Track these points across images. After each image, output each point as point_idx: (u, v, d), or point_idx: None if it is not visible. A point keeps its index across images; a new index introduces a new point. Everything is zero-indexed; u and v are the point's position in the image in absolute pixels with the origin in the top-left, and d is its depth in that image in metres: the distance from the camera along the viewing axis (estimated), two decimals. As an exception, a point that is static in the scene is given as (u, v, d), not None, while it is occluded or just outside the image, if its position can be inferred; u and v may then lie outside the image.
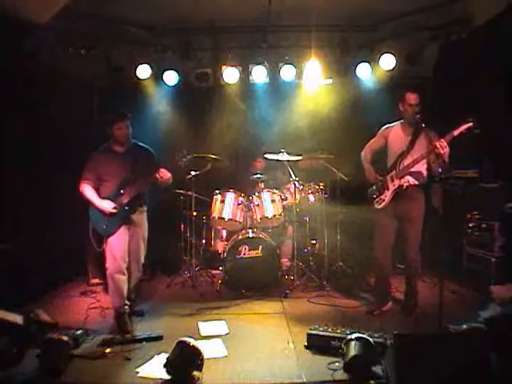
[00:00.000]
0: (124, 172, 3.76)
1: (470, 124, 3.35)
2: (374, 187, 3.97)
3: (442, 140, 3.40)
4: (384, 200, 3.86)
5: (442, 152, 3.38)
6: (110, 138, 3.83)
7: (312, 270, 5.05)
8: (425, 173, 3.78)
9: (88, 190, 3.71)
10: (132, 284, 3.92)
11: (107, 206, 3.67)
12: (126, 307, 3.70)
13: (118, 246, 3.69)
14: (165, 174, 3.78)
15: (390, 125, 3.99)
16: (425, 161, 3.70)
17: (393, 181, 3.82)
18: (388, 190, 3.84)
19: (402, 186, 3.75)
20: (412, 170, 3.71)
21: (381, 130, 4.04)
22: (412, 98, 3.73)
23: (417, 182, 3.77)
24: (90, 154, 3.85)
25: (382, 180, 3.91)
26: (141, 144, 3.98)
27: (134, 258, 3.87)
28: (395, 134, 3.91)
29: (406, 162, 3.74)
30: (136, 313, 3.99)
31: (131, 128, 3.83)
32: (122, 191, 3.71)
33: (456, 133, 3.40)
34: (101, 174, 3.76)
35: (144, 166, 3.79)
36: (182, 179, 5.00)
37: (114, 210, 3.66)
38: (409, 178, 3.76)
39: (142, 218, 3.92)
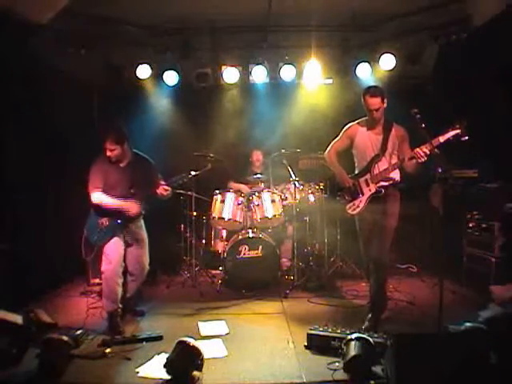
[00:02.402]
0: (122, 186, 3.71)
1: (458, 131, 3.18)
2: (345, 191, 3.73)
3: (423, 148, 3.24)
4: (359, 206, 3.63)
5: (422, 160, 3.24)
6: None
7: (312, 270, 5.05)
8: (398, 174, 3.60)
9: (104, 196, 3.64)
10: (134, 289, 3.91)
11: (134, 207, 3.65)
12: (119, 310, 3.68)
13: (114, 251, 3.66)
14: (164, 191, 3.73)
15: (353, 123, 3.74)
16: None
17: (368, 185, 3.62)
18: (363, 194, 3.63)
19: (381, 191, 3.56)
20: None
21: (344, 130, 3.77)
22: (371, 102, 3.47)
23: (392, 182, 3.59)
24: (94, 158, 3.78)
25: (355, 184, 3.68)
26: (140, 154, 3.91)
27: (139, 267, 3.85)
28: (362, 133, 3.67)
29: (382, 165, 3.56)
30: (137, 313, 3.99)
31: (120, 148, 3.65)
32: None
33: (442, 139, 3.21)
34: (104, 182, 3.69)
35: (142, 178, 3.76)
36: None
37: (140, 209, 3.66)
38: (383, 182, 3.58)
39: (139, 223, 3.89)
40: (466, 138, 3.17)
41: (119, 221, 3.67)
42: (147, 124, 5.37)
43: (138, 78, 5.34)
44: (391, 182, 3.59)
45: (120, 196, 3.67)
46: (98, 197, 3.63)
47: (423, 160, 3.27)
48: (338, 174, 3.81)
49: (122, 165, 3.77)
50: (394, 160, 3.56)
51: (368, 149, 3.64)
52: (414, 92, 5.55)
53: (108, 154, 3.64)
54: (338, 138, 3.82)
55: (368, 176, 3.63)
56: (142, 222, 3.95)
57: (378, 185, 3.58)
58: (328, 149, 3.86)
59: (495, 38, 4.23)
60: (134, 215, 3.72)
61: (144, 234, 3.91)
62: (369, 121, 3.65)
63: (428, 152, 3.23)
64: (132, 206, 3.66)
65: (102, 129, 3.72)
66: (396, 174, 3.60)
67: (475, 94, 4.65)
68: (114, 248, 3.67)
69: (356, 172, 3.76)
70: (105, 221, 3.65)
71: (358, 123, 3.73)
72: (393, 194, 3.62)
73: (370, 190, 3.61)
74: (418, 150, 3.28)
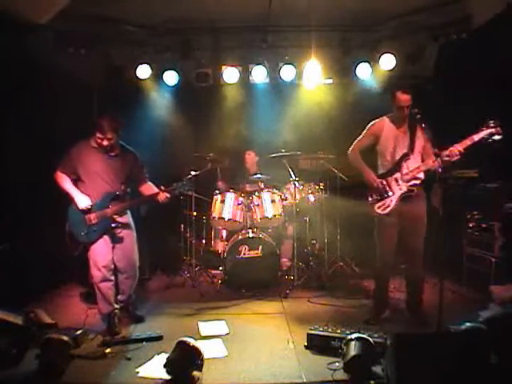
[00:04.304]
0: (112, 178, 3.63)
1: (492, 130, 3.12)
2: (375, 191, 3.63)
3: (456, 147, 3.21)
4: (389, 205, 3.54)
5: (455, 159, 3.22)
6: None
7: (312, 270, 5.05)
8: (423, 174, 3.60)
9: (66, 180, 3.58)
10: (130, 288, 3.83)
11: (83, 202, 3.49)
12: (116, 311, 3.66)
13: (101, 255, 3.58)
14: (166, 199, 3.71)
15: (378, 120, 3.71)
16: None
17: (399, 184, 3.55)
18: (394, 193, 3.55)
19: (413, 190, 3.52)
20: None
21: (368, 128, 3.73)
22: (403, 99, 3.47)
23: (420, 182, 3.58)
24: (77, 141, 3.68)
25: (383, 182, 3.60)
26: (127, 147, 3.79)
27: (129, 263, 3.75)
28: (388, 130, 3.63)
29: (411, 164, 3.52)
30: (136, 319, 3.87)
31: (117, 137, 3.58)
32: (109, 205, 3.57)
33: (477, 138, 3.17)
34: (81, 170, 3.58)
35: (129, 172, 3.72)
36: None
37: (88, 207, 3.50)
38: (413, 180, 3.55)
39: (126, 220, 3.77)
40: (500, 137, 3.12)
41: (111, 222, 3.59)
42: (147, 124, 5.37)
43: (138, 77, 5.34)
44: (420, 181, 3.56)
45: (109, 195, 3.59)
46: (58, 178, 3.59)
47: (456, 159, 3.24)
48: (363, 173, 3.71)
49: (112, 154, 3.65)
50: (419, 159, 3.53)
51: (395, 146, 3.60)
52: (414, 92, 5.54)
53: (105, 143, 3.52)
54: (361, 136, 3.77)
55: (398, 175, 3.57)
56: (130, 216, 3.81)
57: (409, 183, 3.54)
58: (351, 147, 3.80)
59: (495, 37, 4.23)
60: (82, 209, 3.53)
61: (131, 232, 3.78)
62: (396, 118, 3.61)
63: (462, 151, 3.22)
64: (80, 200, 3.51)
65: (99, 119, 3.59)
66: (421, 174, 3.57)
67: (475, 93, 4.65)
68: (101, 252, 3.58)
69: (383, 170, 3.68)
70: (93, 217, 3.53)
71: (383, 120, 3.69)
72: (421, 193, 3.60)
73: (400, 189, 3.55)
74: (452, 148, 3.25)
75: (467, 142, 3.20)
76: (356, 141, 3.79)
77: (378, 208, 3.61)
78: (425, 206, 3.65)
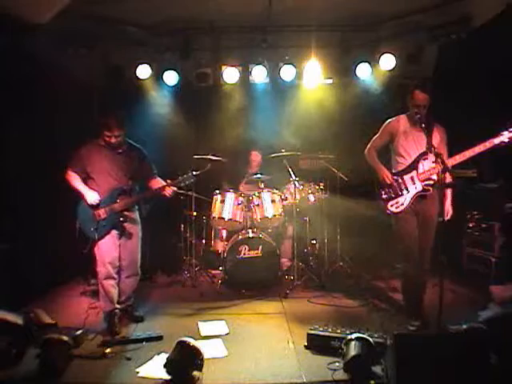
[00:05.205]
0: (119, 174, 3.69)
1: None
2: (389, 189, 3.60)
3: (474, 149, 3.23)
4: (403, 204, 3.52)
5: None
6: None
7: (312, 270, 5.05)
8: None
9: (75, 179, 3.66)
10: (131, 288, 3.84)
11: (91, 197, 3.58)
12: (117, 310, 3.68)
13: (107, 252, 3.63)
14: (172, 192, 3.76)
15: (394, 119, 3.68)
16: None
17: (414, 183, 3.52)
18: (408, 192, 3.53)
19: (429, 190, 3.48)
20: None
21: (385, 126, 3.70)
22: (421, 97, 3.46)
23: (435, 182, 3.50)
24: (86, 141, 3.75)
25: (398, 180, 3.57)
26: (134, 144, 3.87)
27: (132, 261, 3.79)
28: (404, 129, 3.59)
29: (428, 163, 3.47)
30: (136, 318, 3.88)
31: (123, 133, 3.68)
32: (117, 200, 3.64)
33: (497, 141, 3.17)
34: (91, 168, 3.67)
35: (136, 168, 3.77)
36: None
37: (97, 201, 3.58)
38: (429, 180, 3.52)
39: (134, 216, 3.83)
40: None
41: (120, 217, 3.65)
42: (147, 124, 5.37)
43: (138, 77, 5.34)
44: (433, 181, 3.51)
45: (117, 189, 3.66)
46: (68, 176, 3.66)
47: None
48: (378, 171, 3.67)
49: (119, 150, 3.74)
50: (433, 159, 3.47)
51: (412, 145, 3.57)
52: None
53: (113, 140, 3.62)
54: (377, 135, 3.75)
55: (414, 173, 3.54)
56: (137, 214, 3.88)
57: (424, 183, 3.50)
58: (368, 147, 3.78)
59: (495, 37, 4.23)
60: (91, 204, 3.61)
61: (137, 228, 3.84)
62: (412, 117, 3.57)
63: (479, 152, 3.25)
64: (89, 196, 3.59)
65: (104, 118, 3.63)
66: (435, 175, 3.51)
67: (475, 93, 4.65)
68: (108, 249, 3.63)
69: (398, 168, 3.65)
70: (102, 213, 3.61)
71: (399, 118, 3.66)
72: (435, 194, 3.54)
73: (416, 188, 3.53)
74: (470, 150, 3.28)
75: (486, 145, 3.19)
76: (372, 140, 3.77)
77: (391, 206, 3.58)
78: (438, 207, 3.55)
